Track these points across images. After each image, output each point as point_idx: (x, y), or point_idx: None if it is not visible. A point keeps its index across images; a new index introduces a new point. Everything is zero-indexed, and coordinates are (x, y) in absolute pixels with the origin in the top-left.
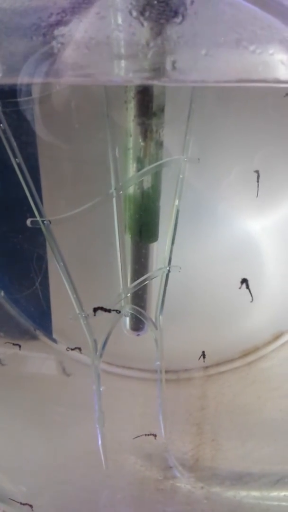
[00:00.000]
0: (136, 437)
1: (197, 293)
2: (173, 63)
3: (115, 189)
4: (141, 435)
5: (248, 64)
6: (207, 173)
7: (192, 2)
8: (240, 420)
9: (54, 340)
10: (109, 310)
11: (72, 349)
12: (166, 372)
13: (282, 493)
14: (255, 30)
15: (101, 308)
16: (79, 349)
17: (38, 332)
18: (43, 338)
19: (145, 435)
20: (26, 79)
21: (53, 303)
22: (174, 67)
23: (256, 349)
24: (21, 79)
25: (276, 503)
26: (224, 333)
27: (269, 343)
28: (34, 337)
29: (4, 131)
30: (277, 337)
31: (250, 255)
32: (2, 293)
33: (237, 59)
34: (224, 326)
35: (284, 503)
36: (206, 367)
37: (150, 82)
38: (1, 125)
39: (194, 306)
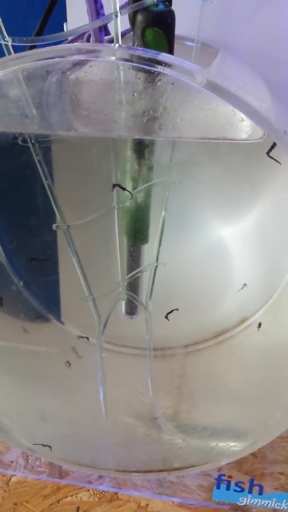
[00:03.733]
0: None
1: (179, 285)
2: (160, 126)
3: (116, 203)
4: None
5: (207, 127)
6: (188, 192)
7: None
8: (211, 383)
9: (62, 323)
10: None
11: (82, 337)
12: (154, 350)
13: (239, 444)
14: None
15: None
16: (87, 338)
17: (49, 316)
18: (54, 321)
19: None
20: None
21: (62, 291)
22: (160, 128)
23: (226, 330)
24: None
25: (237, 449)
26: (201, 318)
27: (236, 326)
28: (46, 320)
29: (39, 161)
30: (242, 321)
31: (221, 255)
32: (21, 283)
33: (201, 124)
34: (201, 312)
35: (237, 448)
36: (186, 346)
37: (143, 137)
38: (38, 156)
39: (177, 296)
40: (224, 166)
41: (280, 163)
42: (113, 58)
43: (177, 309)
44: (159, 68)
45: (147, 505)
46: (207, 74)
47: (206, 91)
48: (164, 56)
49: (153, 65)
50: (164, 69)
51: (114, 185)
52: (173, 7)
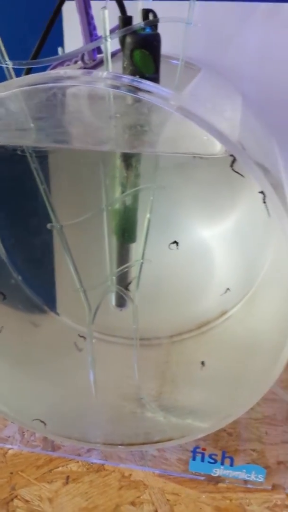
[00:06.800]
0: None
1: (166, 281)
2: (142, 141)
3: (105, 205)
4: None
5: (181, 143)
6: (173, 196)
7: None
8: (192, 368)
9: (58, 314)
10: None
11: (80, 336)
12: (142, 339)
13: (212, 420)
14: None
15: None
16: (84, 337)
17: (45, 307)
18: (50, 312)
19: None
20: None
21: (58, 285)
22: (143, 144)
23: (208, 322)
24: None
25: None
26: (185, 311)
27: (217, 318)
28: (43, 311)
29: (36, 169)
30: (223, 314)
31: (204, 254)
32: (20, 278)
33: (176, 140)
34: (185, 306)
35: (209, 424)
36: (172, 336)
37: (128, 151)
38: (34, 165)
39: (164, 291)
40: (205, 175)
41: (243, 176)
42: (101, 85)
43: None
44: (140, 95)
45: (130, 475)
46: (179, 99)
47: (177, 113)
48: (144, 84)
49: (135, 91)
50: (144, 96)
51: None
52: (161, 30)
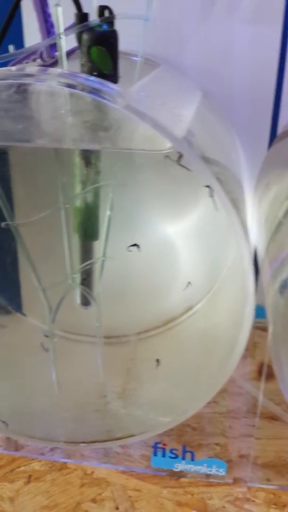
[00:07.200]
0: None
1: (131, 278)
2: (98, 138)
3: (62, 203)
4: None
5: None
6: (135, 193)
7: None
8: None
9: (24, 314)
10: None
11: (46, 336)
12: (109, 337)
13: (173, 415)
14: None
15: None
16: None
17: (10, 308)
18: (16, 313)
19: None
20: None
21: (22, 284)
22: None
23: (174, 318)
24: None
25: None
26: (151, 308)
27: (182, 314)
28: (8, 312)
29: None
30: (188, 309)
31: (168, 251)
32: None
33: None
34: (151, 303)
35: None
36: (139, 333)
37: (86, 148)
38: None
39: (130, 288)
40: (165, 171)
41: (190, 170)
42: (54, 83)
43: None
44: (85, 92)
45: (93, 472)
46: (125, 95)
47: (122, 110)
48: (91, 82)
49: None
50: (89, 93)
51: None
52: (121, 26)
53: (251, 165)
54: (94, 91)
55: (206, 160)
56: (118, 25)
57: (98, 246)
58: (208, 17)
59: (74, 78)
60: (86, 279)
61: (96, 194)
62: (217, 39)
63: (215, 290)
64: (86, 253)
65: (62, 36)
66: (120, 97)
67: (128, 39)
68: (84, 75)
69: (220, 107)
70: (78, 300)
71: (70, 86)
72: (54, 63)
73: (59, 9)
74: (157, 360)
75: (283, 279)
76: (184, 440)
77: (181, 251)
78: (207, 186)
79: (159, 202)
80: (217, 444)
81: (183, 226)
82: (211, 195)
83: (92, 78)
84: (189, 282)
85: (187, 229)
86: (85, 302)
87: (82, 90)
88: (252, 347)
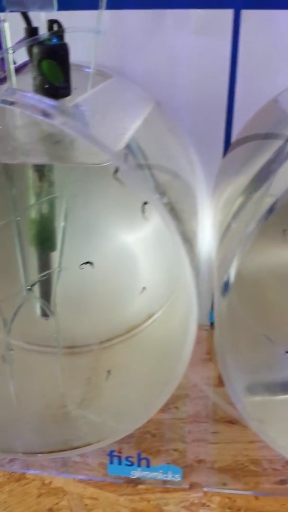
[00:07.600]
0: None
1: (91, 288)
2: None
3: (14, 216)
4: None
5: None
6: (89, 204)
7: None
8: (117, 373)
9: None
10: None
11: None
12: (71, 347)
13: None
14: None
15: None
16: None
17: None
18: None
19: None
20: None
21: None
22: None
23: (136, 326)
24: None
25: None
26: (113, 316)
27: (144, 321)
28: None
29: None
30: (149, 317)
31: (127, 259)
32: None
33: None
34: (112, 311)
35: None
36: (102, 342)
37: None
38: None
39: (90, 298)
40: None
41: (124, 184)
42: None
43: None
44: (23, 109)
45: (51, 482)
46: (66, 112)
47: (60, 127)
48: (27, 98)
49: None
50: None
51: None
52: (74, 39)
53: (208, 173)
54: (31, 108)
55: (155, 168)
56: (70, 39)
57: (55, 257)
58: (159, 30)
59: (12, 95)
60: (45, 291)
61: (51, 205)
62: (168, 50)
63: (173, 297)
64: (44, 264)
65: (10, 51)
66: (58, 113)
67: (83, 51)
68: (25, 92)
69: (174, 117)
70: (38, 311)
71: (10, 103)
72: (4, 78)
73: (6, 24)
74: (108, 372)
75: (224, 281)
76: (143, 447)
77: (140, 259)
78: (145, 203)
79: (115, 211)
80: (175, 450)
81: (140, 235)
82: (143, 211)
83: (31, 94)
84: (143, 287)
85: (144, 237)
86: (45, 313)
87: (20, 107)
88: (214, 351)
